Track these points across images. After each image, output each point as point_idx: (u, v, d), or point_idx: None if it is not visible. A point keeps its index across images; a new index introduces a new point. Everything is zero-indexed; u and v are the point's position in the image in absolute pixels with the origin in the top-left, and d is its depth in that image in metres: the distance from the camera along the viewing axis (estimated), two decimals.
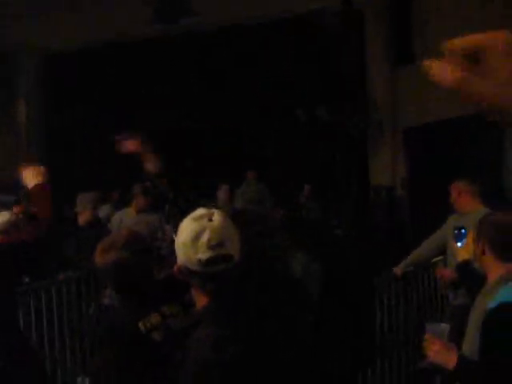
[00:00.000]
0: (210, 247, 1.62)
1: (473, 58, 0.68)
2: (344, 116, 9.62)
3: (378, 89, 9.83)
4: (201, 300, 1.73)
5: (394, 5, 8.98)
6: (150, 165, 2.62)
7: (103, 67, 10.96)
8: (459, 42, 0.69)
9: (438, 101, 8.59)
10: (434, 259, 5.19)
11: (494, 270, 2.37)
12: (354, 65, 9.64)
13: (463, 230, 3.29)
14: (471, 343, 2.31)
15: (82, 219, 5.42)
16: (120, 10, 9.98)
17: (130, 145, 2.67)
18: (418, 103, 9.04)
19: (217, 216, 1.69)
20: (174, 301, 2.15)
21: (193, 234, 1.63)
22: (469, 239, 3.22)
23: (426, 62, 0.68)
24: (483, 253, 2.40)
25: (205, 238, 1.62)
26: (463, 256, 3.21)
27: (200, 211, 1.72)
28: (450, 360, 2.21)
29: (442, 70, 0.68)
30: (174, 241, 2.26)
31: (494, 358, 2.13)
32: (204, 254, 1.61)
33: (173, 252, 2.12)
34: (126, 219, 5.77)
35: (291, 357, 1.80)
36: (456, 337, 2.52)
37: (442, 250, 4.66)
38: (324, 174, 10.14)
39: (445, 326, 2.32)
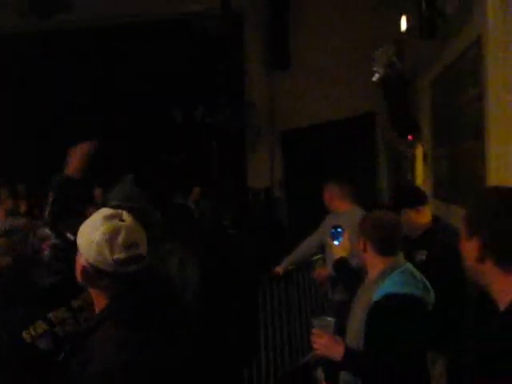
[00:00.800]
0: (126, 247, 1.61)
1: None
2: (221, 117, 9.69)
3: (255, 92, 10.00)
4: (101, 303, 1.67)
5: (273, 11, 9.20)
6: None
7: None
8: None
9: (313, 105, 8.94)
10: (314, 257, 5.38)
11: (376, 264, 2.49)
12: (232, 67, 9.74)
13: (339, 229, 3.42)
14: (355, 334, 2.42)
15: None
16: None
17: None
18: (294, 107, 9.32)
19: (126, 216, 1.68)
20: (62, 307, 2.04)
21: (108, 234, 1.60)
22: (344, 237, 3.37)
23: None
24: (365, 250, 2.52)
25: (120, 238, 1.61)
26: (339, 253, 3.33)
27: (107, 211, 1.68)
28: (337, 352, 2.30)
29: None
30: (57, 244, 2.15)
31: (379, 347, 2.25)
32: (121, 254, 1.59)
33: (54, 257, 2.02)
34: None
35: (186, 356, 1.80)
36: (336, 330, 2.62)
37: (321, 249, 4.83)
38: (208, 175, 10.15)
39: (331, 320, 2.41)
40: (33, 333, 1.91)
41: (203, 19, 9.19)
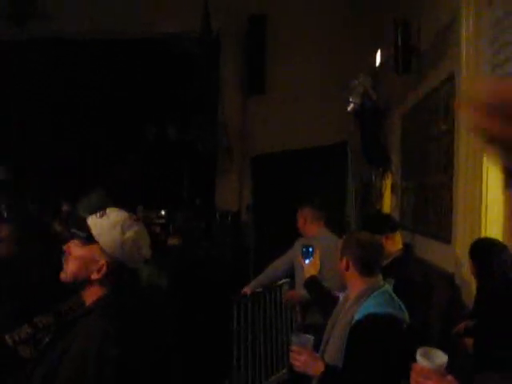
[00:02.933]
0: (149, 246, 1.74)
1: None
2: (193, 137, 9.73)
3: (228, 114, 10.08)
4: (94, 296, 1.69)
5: (251, 36, 9.35)
6: None
7: None
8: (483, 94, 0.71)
9: (285, 131, 9.06)
10: (281, 281, 5.41)
11: (357, 284, 2.54)
12: (207, 89, 9.81)
13: (310, 248, 3.49)
14: (335, 353, 2.45)
15: None
16: None
17: None
18: (266, 132, 9.43)
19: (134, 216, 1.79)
20: (48, 311, 2.04)
21: (141, 233, 1.72)
22: (315, 257, 3.44)
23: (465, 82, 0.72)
24: (347, 269, 2.57)
25: (147, 237, 1.73)
26: (310, 272, 3.39)
27: (123, 212, 1.73)
28: (317, 368, 2.33)
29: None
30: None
31: (359, 364, 2.28)
32: (148, 253, 1.72)
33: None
34: None
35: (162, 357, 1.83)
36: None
37: (289, 272, 4.87)
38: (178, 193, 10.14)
39: (310, 337, 2.44)
40: (16, 338, 1.89)
41: (181, 39, 9.27)
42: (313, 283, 3.35)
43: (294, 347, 2.42)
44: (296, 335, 2.49)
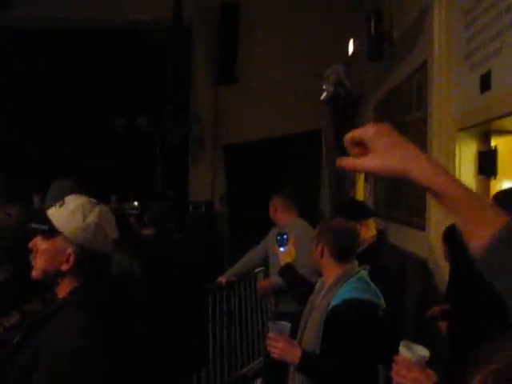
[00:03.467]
0: (115, 226, 1.69)
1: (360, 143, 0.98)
2: (165, 127, 9.65)
3: (200, 104, 10.03)
4: (67, 289, 1.65)
5: (222, 25, 9.28)
6: None
7: None
8: (349, 136, 1.00)
9: (257, 120, 9.05)
10: (256, 270, 5.42)
11: (332, 271, 2.53)
12: (178, 78, 9.74)
13: (285, 236, 3.47)
14: (312, 340, 2.46)
15: None
16: None
17: None
18: (238, 122, 9.40)
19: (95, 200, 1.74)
20: (36, 298, 2.01)
21: (105, 215, 1.66)
22: (290, 244, 3.43)
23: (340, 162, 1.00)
24: (322, 256, 2.57)
25: (112, 219, 1.68)
26: (286, 260, 3.37)
27: (82, 197, 1.69)
28: (294, 356, 2.33)
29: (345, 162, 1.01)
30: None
31: (336, 350, 2.29)
32: (115, 234, 1.67)
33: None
34: None
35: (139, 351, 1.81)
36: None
37: (264, 261, 4.87)
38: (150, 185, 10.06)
39: (286, 324, 2.43)
40: (6, 324, 1.86)
41: (152, 29, 9.16)
42: (288, 270, 3.33)
43: (270, 334, 2.41)
44: (272, 322, 2.48)
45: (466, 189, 0.97)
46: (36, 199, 7.75)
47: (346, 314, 2.33)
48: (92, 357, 1.50)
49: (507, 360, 0.51)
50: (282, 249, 3.44)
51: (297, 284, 3.26)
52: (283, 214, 4.58)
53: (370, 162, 0.97)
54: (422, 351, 1.82)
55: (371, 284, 2.54)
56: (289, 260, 3.37)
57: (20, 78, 9.89)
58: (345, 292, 2.40)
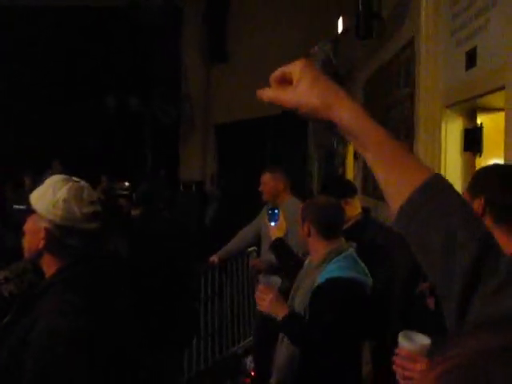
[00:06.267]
0: (90, 202, 1.68)
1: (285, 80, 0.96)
2: (155, 107, 9.62)
3: (191, 83, 9.99)
4: (52, 268, 1.67)
5: (212, 5, 9.22)
6: None
7: None
8: (277, 72, 0.98)
9: (248, 99, 9.01)
10: (249, 249, 5.45)
11: (319, 248, 2.54)
12: (169, 58, 9.68)
13: (276, 211, 3.46)
14: None
15: None
16: None
17: None
18: (230, 100, 9.37)
19: (78, 179, 1.75)
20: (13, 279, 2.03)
21: (74, 190, 1.66)
22: (280, 218, 3.42)
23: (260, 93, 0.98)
24: (308, 234, 2.57)
25: (85, 193, 1.67)
26: (276, 234, 3.33)
27: (59, 176, 1.70)
28: (281, 311, 2.35)
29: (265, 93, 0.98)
30: None
31: (319, 325, 2.31)
32: (88, 208, 1.66)
33: None
34: None
35: (128, 329, 1.82)
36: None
37: (257, 240, 4.88)
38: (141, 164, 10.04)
39: (277, 279, 2.44)
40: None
41: (142, 8, 9.08)
42: (279, 245, 3.31)
43: (260, 287, 2.43)
44: (264, 276, 2.49)
45: (391, 137, 0.90)
46: (27, 181, 7.74)
47: (329, 292, 2.33)
48: (81, 335, 1.52)
49: (465, 357, 0.50)
50: (273, 223, 3.42)
51: (287, 259, 3.24)
52: (274, 192, 4.57)
53: (292, 95, 0.93)
54: (424, 339, 1.74)
55: (359, 262, 2.54)
56: (280, 235, 3.34)
57: (10, 59, 9.80)
58: (330, 270, 2.41)
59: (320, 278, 2.41)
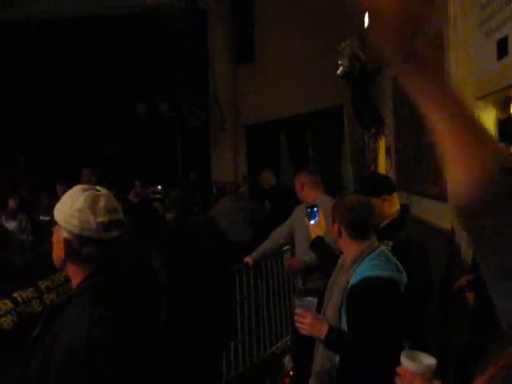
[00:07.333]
0: (108, 211, 1.67)
1: None
2: (185, 111, 9.67)
3: (219, 86, 10.02)
4: (77, 279, 1.69)
5: (237, 6, 9.23)
6: None
7: None
8: None
9: (277, 99, 9.00)
10: (284, 248, 5.44)
11: (351, 249, 2.51)
12: (197, 62, 9.73)
13: (315, 209, 3.39)
14: (333, 317, 2.47)
15: None
16: None
17: None
18: (258, 101, 9.37)
19: (100, 188, 1.75)
20: (28, 287, 2.07)
21: (89, 200, 1.66)
22: (320, 216, 3.37)
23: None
24: (339, 234, 2.54)
25: (101, 203, 1.67)
26: (316, 232, 3.30)
27: (82, 186, 1.72)
28: (322, 331, 2.35)
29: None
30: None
31: (360, 329, 2.30)
32: (104, 218, 1.65)
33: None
34: None
35: (154, 339, 1.83)
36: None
37: (290, 239, 4.88)
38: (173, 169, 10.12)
39: (313, 300, 2.44)
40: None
41: (167, 13, 9.15)
42: (319, 243, 3.26)
43: (297, 311, 2.41)
44: (298, 299, 2.49)
45: (463, 104, 0.83)
46: (59, 190, 7.86)
47: (364, 293, 2.31)
48: (105, 348, 1.52)
49: None
50: (312, 221, 3.37)
51: (327, 257, 3.20)
52: (310, 191, 4.55)
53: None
54: (428, 360, 1.68)
55: (392, 259, 2.50)
56: (320, 233, 3.29)
57: (40, 71, 9.99)
58: (363, 270, 2.38)
59: (353, 278, 2.39)
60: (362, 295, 2.33)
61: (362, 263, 2.43)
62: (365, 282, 2.34)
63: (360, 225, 2.51)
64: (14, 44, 9.44)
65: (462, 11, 3.89)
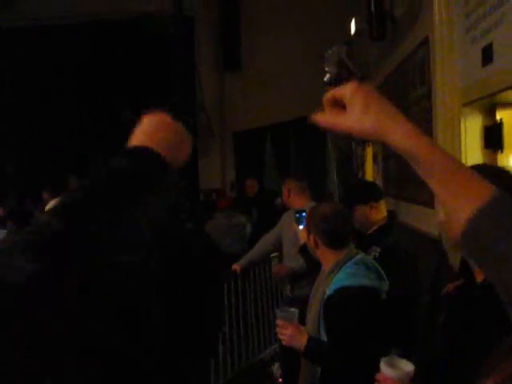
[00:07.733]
0: None
1: (337, 104, 0.93)
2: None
3: (206, 93, 10.02)
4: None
5: (224, 13, 9.26)
6: None
7: None
8: (329, 95, 0.95)
9: (264, 106, 9.02)
10: (272, 255, 5.44)
11: (328, 258, 2.48)
12: (183, 69, 9.72)
13: (304, 214, 3.37)
14: (312, 326, 2.46)
15: None
16: None
17: None
18: (245, 108, 9.39)
19: None
20: None
21: None
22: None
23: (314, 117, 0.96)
24: (316, 246, 2.50)
25: None
26: (305, 238, 3.29)
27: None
28: (302, 342, 2.33)
29: (318, 118, 0.96)
30: None
31: (338, 336, 2.29)
32: None
33: None
34: None
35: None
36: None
37: (279, 246, 4.88)
38: None
39: (294, 311, 2.42)
40: None
41: (154, 20, 9.15)
42: (308, 249, 3.28)
43: (278, 321, 2.39)
44: (280, 310, 2.47)
45: (449, 156, 0.88)
46: (45, 196, 7.80)
47: (340, 303, 2.28)
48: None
49: None
50: (301, 226, 3.36)
51: (316, 263, 3.19)
52: (297, 198, 4.56)
53: (345, 121, 0.91)
54: (407, 366, 1.71)
55: (373, 267, 2.46)
56: None
57: (28, 76, 9.93)
58: (339, 280, 2.35)
59: (329, 289, 2.36)
60: (337, 305, 2.30)
61: (339, 272, 2.39)
62: (340, 291, 2.31)
63: (335, 234, 2.46)
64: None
65: (448, 19, 3.93)
